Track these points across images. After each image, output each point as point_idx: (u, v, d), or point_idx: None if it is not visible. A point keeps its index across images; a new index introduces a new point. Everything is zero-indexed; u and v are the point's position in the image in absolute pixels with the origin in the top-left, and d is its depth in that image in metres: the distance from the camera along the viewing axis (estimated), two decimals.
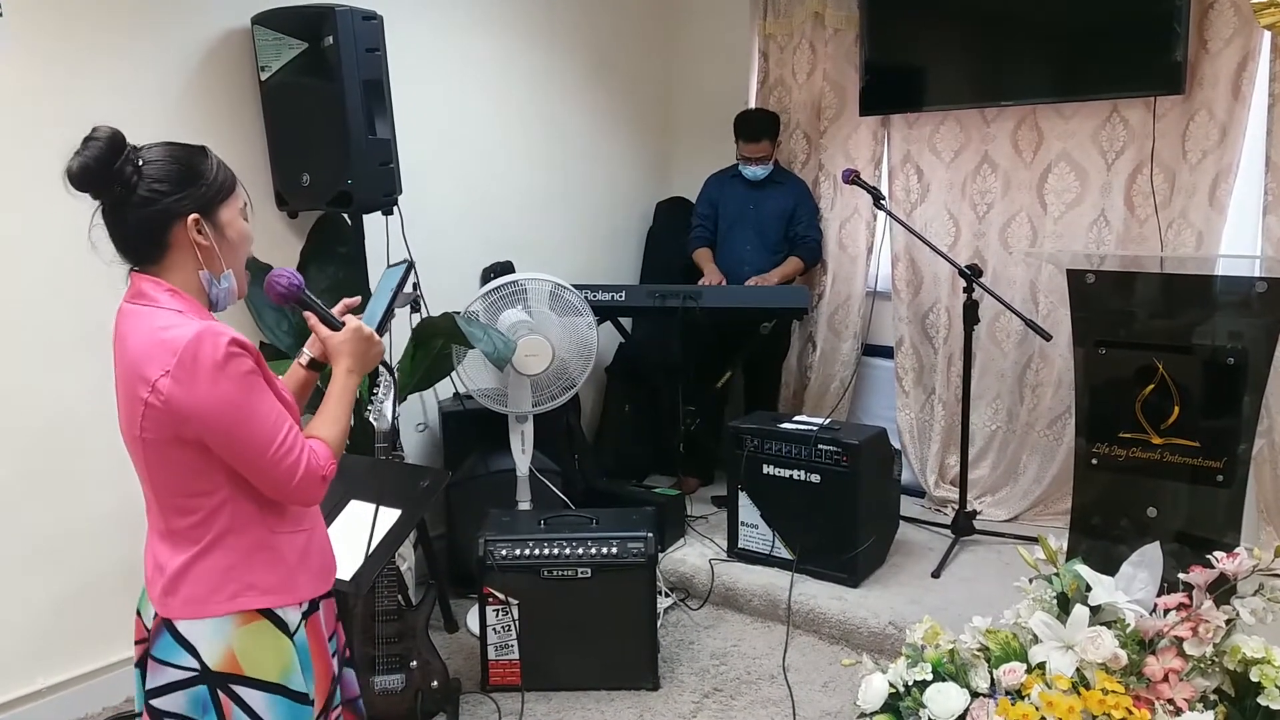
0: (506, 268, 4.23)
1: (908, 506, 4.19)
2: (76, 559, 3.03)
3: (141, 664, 1.72)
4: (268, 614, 1.64)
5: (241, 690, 1.61)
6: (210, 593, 1.61)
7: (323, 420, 1.72)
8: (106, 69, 2.99)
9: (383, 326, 1.91)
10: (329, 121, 3.14)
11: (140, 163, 1.57)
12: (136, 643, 1.76)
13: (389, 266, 2.06)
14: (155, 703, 1.63)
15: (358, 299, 1.93)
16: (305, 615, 1.71)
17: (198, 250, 1.61)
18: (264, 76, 3.29)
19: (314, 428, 1.70)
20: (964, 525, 3.93)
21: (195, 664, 1.60)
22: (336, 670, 1.81)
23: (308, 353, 1.88)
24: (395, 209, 3.34)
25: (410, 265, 2.07)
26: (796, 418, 3.89)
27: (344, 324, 1.79)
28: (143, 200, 1.56)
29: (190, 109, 3.19)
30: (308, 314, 1.80)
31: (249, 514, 1.63)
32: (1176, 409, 2.42)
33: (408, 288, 2.13)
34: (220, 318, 1.71)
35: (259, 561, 1.64)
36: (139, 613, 1.76)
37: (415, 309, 3.33)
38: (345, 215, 3.43)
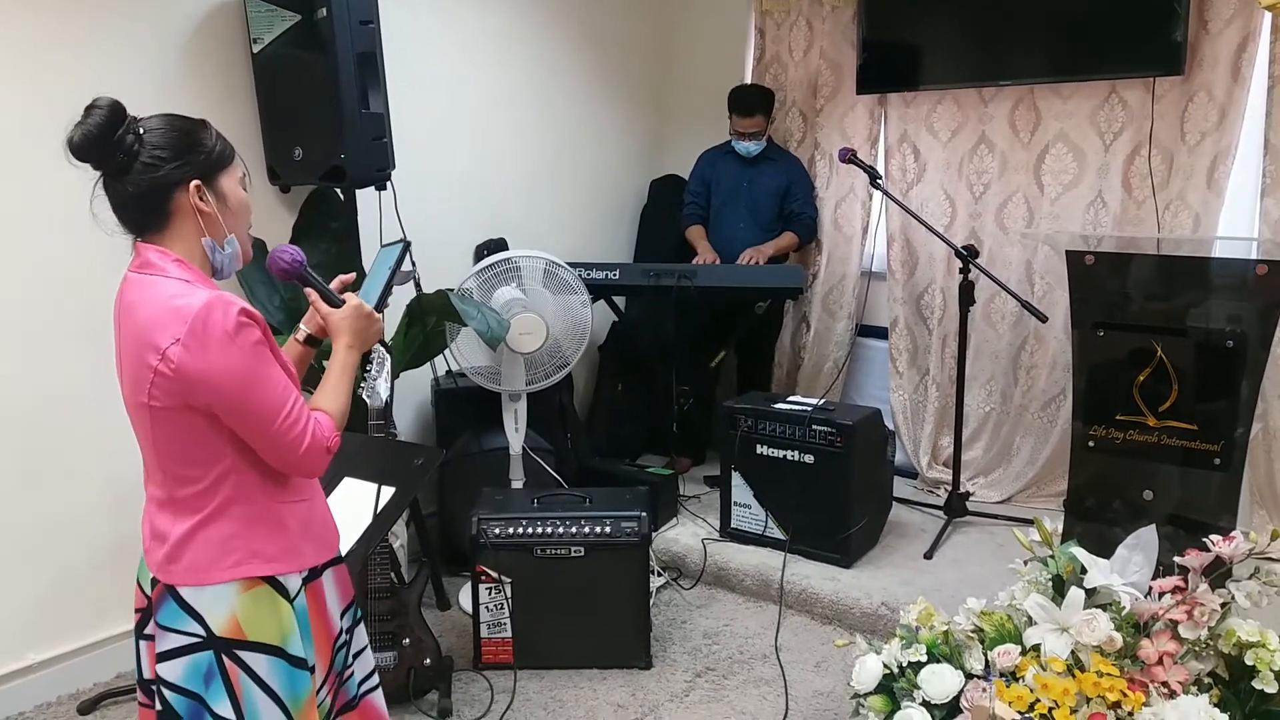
0: (500, 245, 4.20)
1: (900, 488, 4.19)
2: (66, 537, 3.01)
3: (138, 631, 1.75)
4: (270, 580, 1.66)
5: (245, 655, 1.63)
6: (214, 560, 1.63)
7: (325, 394, 1.75)
8: (96, 42, 2.94)
9: (381, 304, 1.93)
10: (322, 95, 3.10)
11: (141, 131, 1.58)
12: (136, 610, 1.77)
13: (384, 246, 2.07)
14: (161, 669, 1.64)
15: (352, 276, 1.94)
16: (306, 581, 1.73)
17: (200, 217, 1.63)
18: (256, 49, 3.25)
19: (317, 400, 1.73)
20: (957, 507, 3.93)
21: (200, 630, 1.62)
22: (339, 632, 1.82)
23: (304, 328, 1.91)
24: (389, 184, 3.30)
25: (407, 245, 2.08)
26: (790, 398, 3.88)
27: (344, 301, 1.82)
28: (144, 167, 1.57)
29: (181, 82, 3.15)
30: (309, 290, 1.82)
31: (252, 483, 1.65)
32: (1174, 392, 2.41)
33: (406, 266, 2.14)
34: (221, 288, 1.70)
35: (262, 530, 1.66)
36: (138, 581, 1.76)
37: (417, 286, 3.30)
38: (338, 190, 3.39)
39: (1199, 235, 3.66)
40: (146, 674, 1.74)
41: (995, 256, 4.19)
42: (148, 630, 1.72)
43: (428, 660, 2.91)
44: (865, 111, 4.49)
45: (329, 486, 2.47)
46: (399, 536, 3.40)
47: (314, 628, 1.74)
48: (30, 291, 2.86)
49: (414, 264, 3.22)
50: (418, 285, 3.29)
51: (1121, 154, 3.88)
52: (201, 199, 1.62)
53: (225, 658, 1.63)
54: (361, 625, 1.92)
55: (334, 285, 1.87)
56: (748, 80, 4.80)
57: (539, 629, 3.11)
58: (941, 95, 4.27)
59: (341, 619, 1.83)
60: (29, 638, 2.96)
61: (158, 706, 1.65)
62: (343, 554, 1.88)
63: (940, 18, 4.19)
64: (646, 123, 5.09)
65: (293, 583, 1.69)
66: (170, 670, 1.63)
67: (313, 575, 1.75)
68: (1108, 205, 3.93)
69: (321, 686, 1.76)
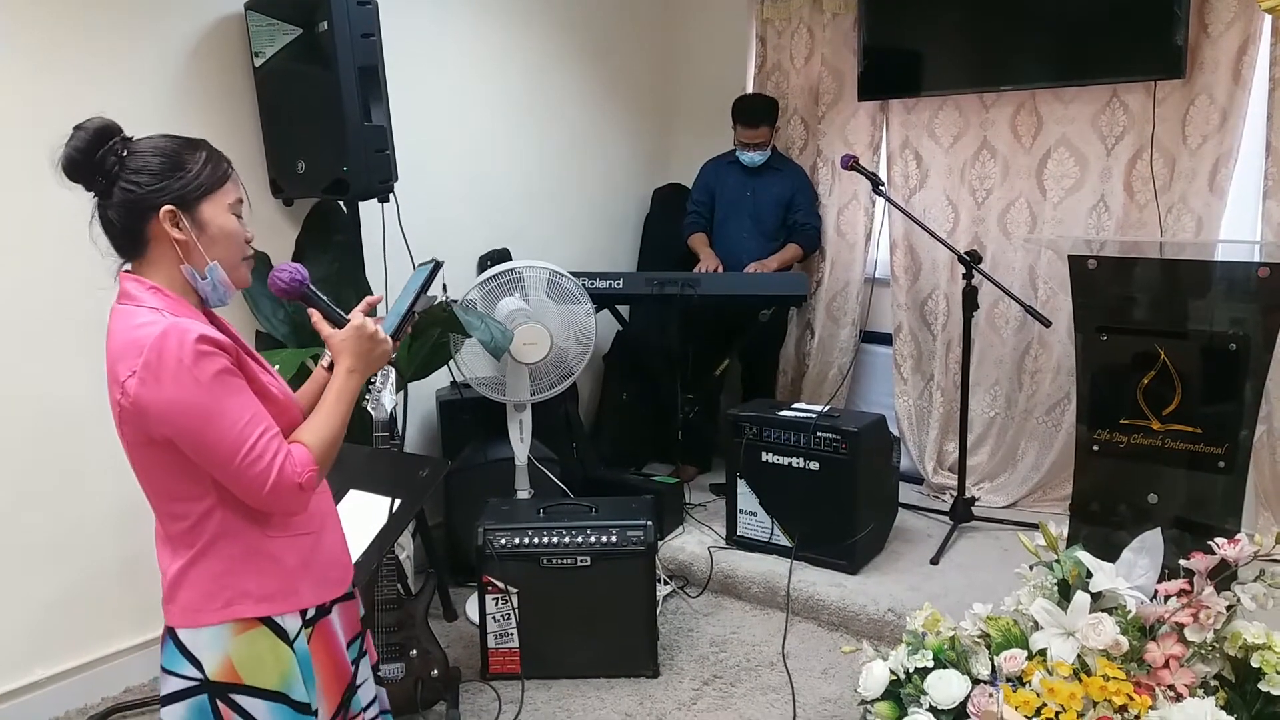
0: (503, 255, 4.21)
1: (906, 493, 4.19)
2: (75, 552, 3.02)
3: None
4: (266, 621, 1.60)
5: (242, 699, 1.59)
6: (204, 600, 1.58)
7: (312, 423, 1.64)
8: (98, 57, 2.96)
9: (401, 328, 1.81)
10: (324, 108, 3.11)
11: (124, 153, 1.54)
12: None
13: (418, 265, 1.94)
14: (164, 713, 1.61)
15: (379, 297, 1.86)
16: (311, 622, 1.67)
17: (176, 245, 1.56)
18: (258, 63, 3.27)
19: (300, 431, 1.63)
20: (962, 512, 3.93)
21: (197, 674, 1.58)
22: (354, 674, 1.77)
23: (329, 354, 1.79)
24: (391, 196, 3.32)
25: (438, 265, 1.94)
26: (795, 405, 3.88)
27: (348, 320, 1.71)
28: (121, 191, 1.53)
29: (184, 96, 3.17)
30: (311, 310, 1.73)
31: (240, 518, 1.58)
32: (1178, 395, 2.41)
33: (435, 289, 2.00)
34: (222, 310, 1.68)
35: (253, 568, 1.59)
36: None
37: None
38: (341, 203, 3.41)
39: (1201, 239, 3.66)
40: None
41: (998, 262, 4.19)
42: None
43: (435, 671, 2.91)
44: (867, 118, 4.50)
45: (335, 498, 2.48)
46: (405, 548, 3.41)
47: (322, 669, 1.69)
48: (36, 303, 2.87)
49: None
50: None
51: (1123, 158, 3.88)
52: (176, 226, 1.55)
53: (221, 703, 1.58)
54: (365, 659, 1.86)
55: (361, 305, 1.76)
56: (749, 88, 4.81)
57: (546, 639, 3.11)
58: (943, 101, 4.28)
59: (350, 657, 1.79)
60: (36, 653, 2.96)
61: None
62: (353, 590, 1.82)
63: (941, 24, 4.19)
64: (649, 132, 5.10)
65: (291, 624, 1.63)
66: (172, 715, 1.60)
67: (320, 614, 1.69)
68: (1110, 209, 3.93)
69: None
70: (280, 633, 1.61)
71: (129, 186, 1.53)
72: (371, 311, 1.78)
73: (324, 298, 1.74)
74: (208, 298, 1.63)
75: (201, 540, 1.57)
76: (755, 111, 4.42)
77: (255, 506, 1.57)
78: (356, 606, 1.84)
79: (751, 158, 4.46)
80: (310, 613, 1.67)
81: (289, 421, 1.63)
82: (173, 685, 1.60)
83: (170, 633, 1.60)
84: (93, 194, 1.56)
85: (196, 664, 1.58)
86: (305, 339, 3.13)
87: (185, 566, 1.58)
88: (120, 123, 1.57)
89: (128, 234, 1.56)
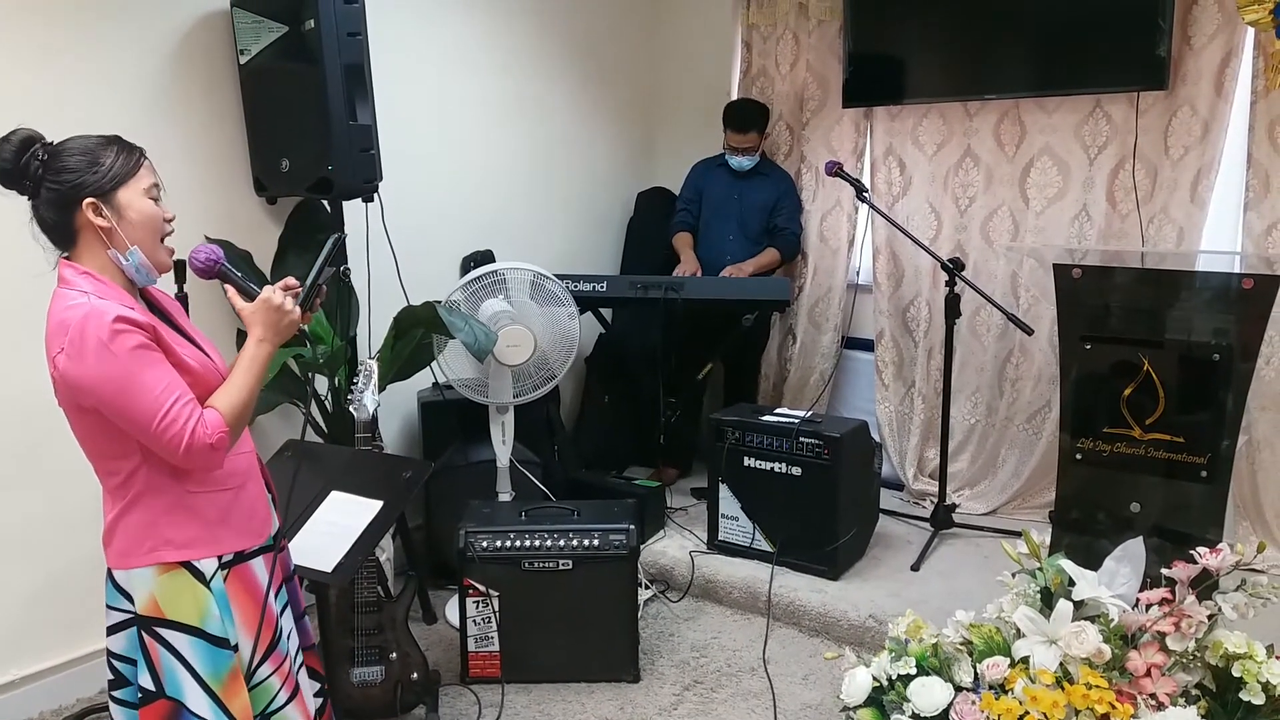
0: (487, 257, 4.20)
1: (887, 499, 4.19)
2: (47, 550, 2.98)
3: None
4: (185, 565, 1.81)
5: (164, 631, 1.80)
6: (133, 546, 1.80)
7: (224, 388, 1.82)
8: (82, 54, 2.93)
9: (309, 299, 1.96)
10: (309, 106, 3.09)
11: (46, 157, 1.72)
12: None
13: (331, 239, 2.07)
14: (108, 642, 1.87)
15: (295, 280, 1.98)
16: (229, 565, 1.86)
17: (101, 232, 1.74)
18: (243, 60, 3.24)
19: (214, 396, 1.80)
20: (943, 518, 3.94)
21: (130, 608, 1.82)
22: (279, 617, 1.96)
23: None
24: (376, 196, 3.30)
25: (339, 238, 2.10)
26: (777, 410, 3.88)
27: (259, 294, 1.88)
28: (47, 191, 1.72)
29: (168, 94, 3.14)
30: (226, 286, 1.91)
31: (163, 476, 1.78)
32: (1161, 404, 2.42)
33: (341, 262, 2.14)
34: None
35: (175, 519, 1.80)
36: None
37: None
38: (325, 202, 3.38)
39: (1183, 249, 3.68)
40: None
41: (980, 269, 4.20)
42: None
43: (415, 674, 2.88)
44: (851, 125, 4.51)
45: (316, 501, 2.46)
46: (385, 550, 3.39)
47: (242, 609, 1.87)
48: (10, 292, 2.83)
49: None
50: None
51: (1106, 168, 3.90)
52: (98, 214, 1.73)
53: (145, 634, 1.80)
54: (288, 610, 2.04)
55: (279, 284, 1.91)
56: (734, 93, 4.82)
57: (527, 642, 3.10)
58: (927, 109, 4.29)
59: (280, 603, 1.98)
60: (10, 652, 2.93)
61: (108, 675, 1.88)
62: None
63: (926, 32, 4.20)
64: (633, 135, 5.10)
65: (207, 566, 1.82)
66: (115, 643, 1.86)
67: (238, 559, 1.88)
68: (1092, 219, 3.96)
69: (260, 664, 1.90)
70: (198, 574, 1.82)
71: (53, 185, 1.72)
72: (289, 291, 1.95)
73: (238, 275, 1.91)
74: (134, 278, 1.80)
75: (130, 493, 1.79)
76: (746, 117, 4.43)
77: (175, 464, 1.76)
78: (282, 558, 2.01)
79: (740, 162, 4.46)
80: (228, 557, 1.87)
81: (205, 389, 1.80)
82: (113, 618, 1.86)
83: (109, 573, 1.84)
84: (25, 197, 1.75)
85: (129, 599, 1.82)
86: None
87: (118, 516, 1.81)
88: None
89: (58, 228, 1.76)
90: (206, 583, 1.82)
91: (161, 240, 1.83)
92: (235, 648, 1.85)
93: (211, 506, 1.84)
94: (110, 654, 1.88)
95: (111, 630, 1.86)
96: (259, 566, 1.92)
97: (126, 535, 1.80)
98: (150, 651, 1.80)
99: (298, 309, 1.90)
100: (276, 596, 1.97)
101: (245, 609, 1.88)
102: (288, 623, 2.02)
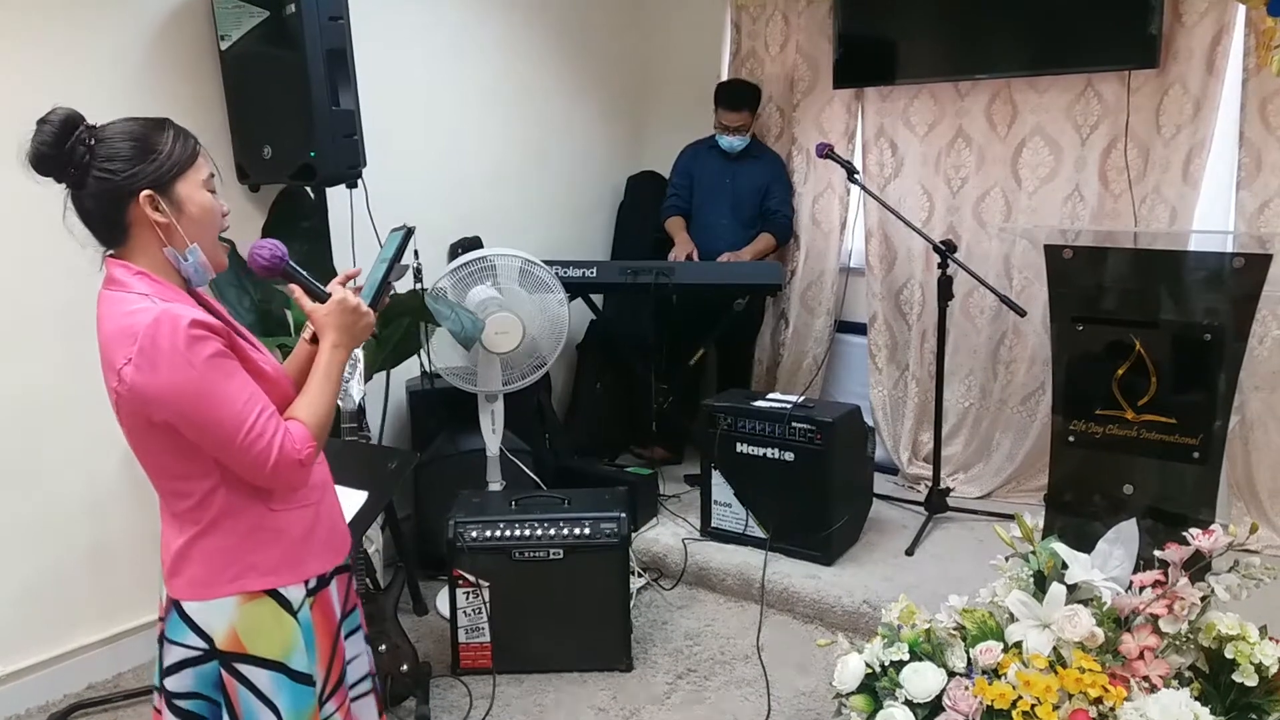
0: (474, 243, 4.16)
1: (881, 484, 4.18)
2: (39, 544, 2.96)
3: (160, 639, 1.72)
4: (271, 593, 1.64)
5: (245, 668, 1.62)
6: (213, 574, 1.61)
7: (304, 399, 1.66)
8: (60, 40, 2.88)
9: (378, 298, 1.79)
10: (291, 92, 3.05)
11: (93, 142, 1.52)
12: (159, 619, 1.74)
13: (392, 230, 1.91)
14: (168, 682, 1.63)
15: (359, 269, 1.85)
16: (312, 592, 1.70)
17: (158, 228, 1.56)
18: (224, 46, 3.20)
19: (294, 408, 1.65)
20: (937, 503, 3.92)
21: (203, 643, 1.61)
22: (346, 648, 1.81)
23: (310, 327, 1.79)
24: (360, 182, 3.26)
25: (409, 231, 1.90)
26: (770, 395, 3.85)
27: (330, 295, 1.70)
28: (96, 181, 1.52)
29: (148, 80, 3.10)
30: (292, 286, 1.71)
31: (244, 494, 1.61)
32: (1153, 385, 2.40)
33: (407, 257, 1.99)
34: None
35: (259, 541, 1.63)
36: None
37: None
38: (308, 189, 3.34)
39: (1175, 228, 3.66)
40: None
41: (973, 251, 4.18)
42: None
43: (405, 666, 2.87)
44: (842, 106, 4.47)
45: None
46: (374, 541, 3.36)
47: (320, 640, 1.71)
48: (2, 290, 2.80)
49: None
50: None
51: (1098, 147, 3.88)
52: (156, 209, 1.55)
53: (225, 672, 1.61)
54: (359, 634, 1.88)
55: (339, 278, 1.76)
56: (724, 75, 4.78)
57: (518, 633, 3.08)
58: (918, 89, 4.26)
59: (345, 630, 1.81)
60: None
61: (171, 716, 1.64)
62: (349, 561, 1.84)
63: (916, 11, 4.17)
64: (623, 118, 5.06)
65: (295, 594, 1.66)
66: (177, 684, 1.63)
67: (320, 584, 1.72)
68: (1085, 199, 3.93)
69: (328, 699, 1.74)
70: (285, 603, 1.65)
71: (103, 175, 1.52)
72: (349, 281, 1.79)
73: (304, 273, 1.72)
74: (190, 279, 1.63)
75: (207, 517, 1.60)
76: (738, 95, 4.41)
77: (258, 484, 1.60)
78: (350, 580, 1.86)
79: (731, 143, 4.43)
80: (313, 583, 1.70)
81: (281, 396, 1.65)
82: (177, 655, 1.63)
83: (175, 605, 1.63)
84: (64, 185, 1.54)
85: (203, 634, 1.61)
86: (271, 327, 3.08)
87: (191, 541, 1.61)
88: (83, 107, 1.54)
89: (107, 222, 1.56)
90: (294, 613, 1.66)
91: (217, 239, 1.66)
92: (314, 683, 1.69)
93: (295, 525, 1.67)
94: (170, 696, 1.64)
95: (173, 669, 1.63)
96: (335, 589, 1.76)
97: (203, 562, 1.60)
98: (229, 691, 1.62)
99: (371, 311, 1.74)
100: (346, 618, 1.82)
101: (322, 640, 1.72)
102: (352, 649, 1.87)
